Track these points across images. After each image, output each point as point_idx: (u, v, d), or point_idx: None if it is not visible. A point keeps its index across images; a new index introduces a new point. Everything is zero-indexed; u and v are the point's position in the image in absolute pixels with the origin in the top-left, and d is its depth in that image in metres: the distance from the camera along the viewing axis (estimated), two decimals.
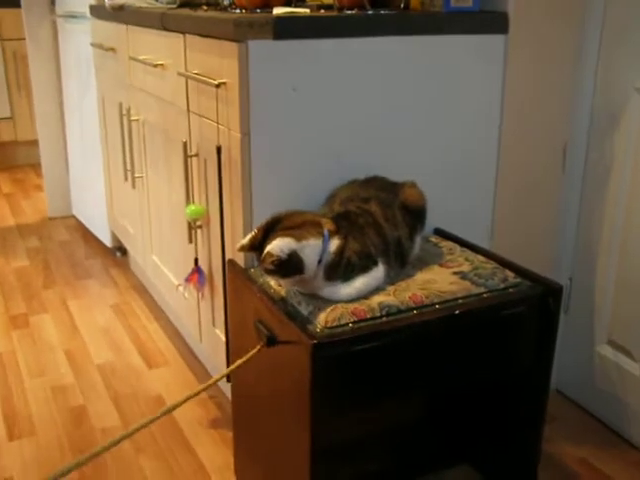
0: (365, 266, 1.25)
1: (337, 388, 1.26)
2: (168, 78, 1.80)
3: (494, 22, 1.55)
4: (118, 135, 2.31)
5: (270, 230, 1.21)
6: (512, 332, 1.42)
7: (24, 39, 3.16)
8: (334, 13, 1.55)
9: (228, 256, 1.56)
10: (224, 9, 1.75)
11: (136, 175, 2.22)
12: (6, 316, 2.38)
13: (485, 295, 1.30)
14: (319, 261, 1.21)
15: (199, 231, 1.73)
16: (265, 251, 1.17)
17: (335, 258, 1.21)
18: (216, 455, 1.68)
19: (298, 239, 1.19)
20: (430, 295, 1.26)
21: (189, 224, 1.72)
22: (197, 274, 1.76)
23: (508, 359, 1.44)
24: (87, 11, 2.55)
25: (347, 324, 1.18)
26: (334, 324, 1.17)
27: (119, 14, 2.12)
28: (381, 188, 1.39)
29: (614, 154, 1.64)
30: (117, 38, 2.23)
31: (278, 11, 1.51)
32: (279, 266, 1.18)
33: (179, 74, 1.65)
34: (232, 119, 1.42)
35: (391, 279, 1.30)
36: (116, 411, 1.85)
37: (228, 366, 1.62)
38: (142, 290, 2.59)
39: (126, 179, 2.30)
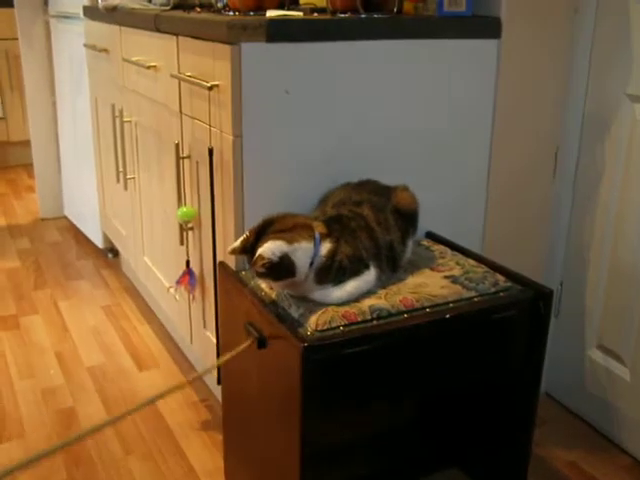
0: (357, 270, 1.25)
1: (327, 391, 1.26)
2: (161, 80, 1.79)
3: (487, 27, 1.56)
4: (110, 136, 2.30)
5: (262, 233, 1.21)
6: (502, 336, 1.42)
7: (17, 39, 3.15)
8: (327, 16, 1.55)
9: (219, 258, 1.56)
10: (217, 11, 1.75)
11: (128, 177, 2.22)
12: None
13: (476, 299, 1.30)
14: (310, 264, 1.21)
15: (190, 233, 1.73)
16: (257, 254, 1.17)
17: (326, 261, 1.22)
18: (206, 458, 1.68)
19: (290, 242, 1.19)
20: (421, 299, 1.26)
21: (181, 226, 1.72)
22: (188, 276, 1.76)
23: (498, 363, 1.45)
24: (80, 12, 2.54)
25: (338, 327, 1.18)
26: (325, 327, 1.17)
27: (112, 15, 2.12)
28: (373, 192, 1.39)
29: (605, 159, 1.65)
30: (110, 39, 2.23)
31: (271, 14, 1.52)
32: (270, 269, 1.18)
33: (172, 76, 1.64)
34: (224, 121, 1.42)
35: (383, 283, 1.30)
36: (106, 413, 1.84)
37: (219, 369, 1.62)
38: (133, 292, 2.58)
39: (118, 180, 2.29)
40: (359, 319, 1.20)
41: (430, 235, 1.60)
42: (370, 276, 1.27)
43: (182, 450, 1.70)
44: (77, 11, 2.59)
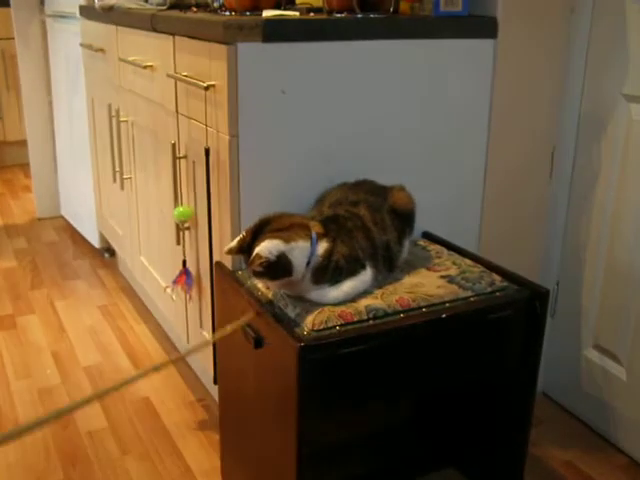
0: (353, 270, 1.25)
1: (324, 391, 1.26)
2: (157, 80, 1.79)
3: (483, 27, 1.56)
4: (107, 136, 2.30)
5: (258, 232, 1.21)
6: (499, 336, 1.42)
7: (13, 38, 3.15)
8: (324, 16, 1.55)
9: (216, 258, 1.56)
10: (214, 11, 1.75)
11: (125, 176, 2.21)
12: None
13: (472, 299, 1.31)
14: (307, 264, 1.21)
15: (187, 233, 1.73)
16: (254, 253, 1.17)
17: (323, 261, 1.22)
18: (203, 458, 1.68)
19: (287, 241, 1.19)
20: (417, 299, 1.26)
21: (177, 226, 1.72)
22: (185, 276, 1.75)
23: (495, 363, 1.45)
24: (77, 11, 2.54)
25: (334, 327, 1.18)
26: (321, 327, 1.17)
27: (109, 15, 2.12)
28: (370, 192, 1.39)
29: (601, 159, 1.65)
30: (107, 39, 2.22)
31: (268, 14, 1.51)
32: (268, 268, 1.18)
33: (168, 76, 1.64)
34: (221, 121, 1.41)
35: (379, 283, 1.31)
36: (103, 413, 1.84)
37: (215, 369, 1.62)
38: (130, 291, 2.58)
39: (115, 180, 2.29)
40: (355, 319, 1.20)
41: (426, 235, 1.60)
42: (366, 276, 1.27)
43: (179, 450, 1.70)
44: (73, 11, 2.59)
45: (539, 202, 1.76)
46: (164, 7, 1.94)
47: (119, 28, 2.07)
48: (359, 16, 1.52)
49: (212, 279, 1.58)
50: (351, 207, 1.33)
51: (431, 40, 1.51)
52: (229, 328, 1.24)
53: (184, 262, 1.76)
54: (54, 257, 2.91)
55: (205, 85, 1.43)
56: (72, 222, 3.20)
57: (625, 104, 1.57)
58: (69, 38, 2.73)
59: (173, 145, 1.68)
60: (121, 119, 2.15)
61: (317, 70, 1.41)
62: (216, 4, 1.77)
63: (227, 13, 1.67)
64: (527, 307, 1.34)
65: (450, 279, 1.34)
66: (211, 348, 1.64)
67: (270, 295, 1.28)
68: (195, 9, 1.85)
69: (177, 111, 1.68)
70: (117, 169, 2.24)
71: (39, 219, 3.36)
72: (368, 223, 1.31)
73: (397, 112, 1.53)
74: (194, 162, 1.62)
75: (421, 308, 1.26)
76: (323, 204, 1.39)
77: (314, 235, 1.22)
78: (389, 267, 1.34)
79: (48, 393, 1.93)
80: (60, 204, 3.32)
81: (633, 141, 1.56)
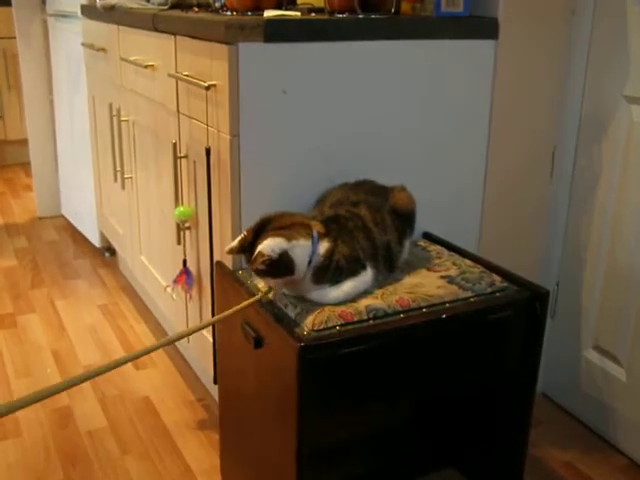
0: (354, 270, 1.25)
1: (324, 391, 1.27)
2: (158, 79, 1.79)
3: (484, 27, 1.56)
4: (108, 135, 2.30)
5: (260, 231, 1.21)
6: (499, 336, 1.42)
7: (14, 38, 3.15)
8: (325, 16, 1.55)
9: (216, 258, 1.56)
10: (215, 11, 1.75)
11: (125, 176, 2.22)
12: None
13: (472, 299, 1.31)
14: (308, 263, 1.21)
15: (188, 232, 1.73)
16: (256, 251, 1.17)
17: (324, 261, 1.22)
18: (203, 457, 1.68)
19: (289, 239, 1.19)
20: (417, 299, 1.27)
21: (178, 225, 1.72)
22: (185, 275, 1.76)
23: (495, 363, 1.45)
24: (78, 11, 2.54)
25: (334, 327, 1.18)
26: (321, 327, 1.17)
27: (110, 14, 2.12)
28: (371, 192, 1.39)
29: (602, 160, 1.65)
30: (108, 38, 2.22)
31: (269, 14, 1.52)
32: (270, 266, 1.17)
33: (169, 75, 1.65)
34: (222, 121, 1.42)
35: (379, 283, 1.31)
36: (102, 412, 1.84)
37: (215, 368, 1.62)
38: (130, 291, 2.58)
39: (115, 180, 2.29)
40: (355, 319, 1.20)
41: (427, 235, 1.60)
42: (367, 277, 1.27)
43: (179, 449, 1.70)
44: (75, 10, 2.59)
45: (539, 203, 1.76)
46: (165, 7, 1.94)
47: (120, 28, 2.07)
48: (360, 16, 1.52)
49: (212, 279, 1.58)
50: (352, 207, 1.33)
51: (432, 40, 1.51)
52: (231, 311, 1.23)
53: (184, 262, 1.76)
54: (55, 256, 2.91)
55: (206, 85, 1.43)
56: (73, 221, 3.20)
57: (626, 105, 1.57)
58: (70, 37, 2.73)
59: (174, 145, 1.68)
60: (122, 118, 2.15)
61: (318, 70, 1.41)
62: (217, 4, 1.78)
63: (228, 13, 1.67)
64: (527, 308, 1.34)
65: (450, 279, 1.34)
66: (211, 348, 1.65)
67: (270, 295, 1.28)
68: (196, 9, 1.85)
69: (178, 111, 1.68)
70: (118, 168, 2.24)
71: (40, 218, 3.36)
72: (369, 223, 1.31)
73: (398, 112, 1.53)
74: (195, 162, 1.62)
75: (421, 308, 1.26)
76: (324, 204, 1.39)
77: (315, 234, 1.22)
78: (389, 267, 1.34)
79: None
80: (61, 203, 3.32)
81: (634, 143, 1.56)
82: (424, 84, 1.53)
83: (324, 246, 1.22)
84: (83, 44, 2.52)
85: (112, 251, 2.87)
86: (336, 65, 1.43)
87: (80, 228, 3.10)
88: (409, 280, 1.34)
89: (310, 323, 1.18)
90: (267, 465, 1.33)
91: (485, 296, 1.32)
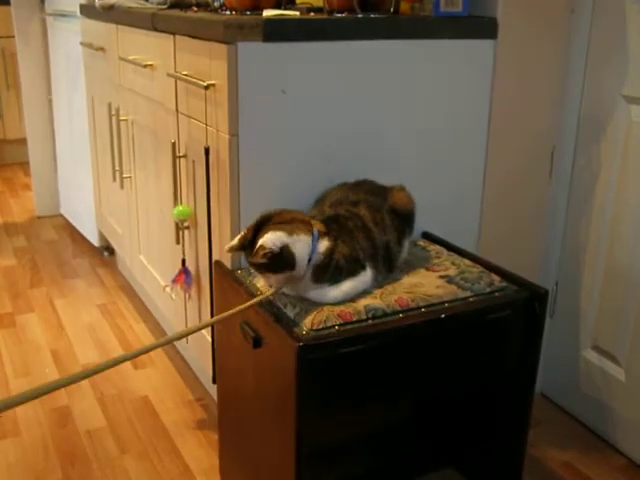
0: (353, 270, 1.25)
1: (323, 391, 1.26)
2: (157, 79, 1.79)
3: (483, 27, 1.56)
4: (107, 135, 2.30)
5: (259, 228, 1.21)
6: (498, 336, 1.42)
7: (13, 37, 3.15)
8: (324, 16, 1.55)
9: (215, 257, 1.56)
10: (214, 10, 1.75)
11: (124, 175, 2.21)
12: None
13: (471, 299, 1.31)
14: (308, 261, 1.20)
15: (187, 232, 1.73)
16: (258, 244, 1.17)
17: (324, 259, 1.21)
18: (202, 457, 1.68)
19: (290, 233, 1.19)
20: (416, 299, 1.27)
21: (177, 225, 1.72)
22: (184, 275, 1.75)
23: (494, 363, 1.45)
24: (77, 10, 2.54)
25: (333, 327, 1.18)
26: (320, 326, 1.17)
27: (109, 14, 2.12)
28: (370, 191, 1.39)
29: (601, 160, 1.65)
30: (107, 38, 2.22)
31: (268, 13, 1.51)
32: (271, 259, 1.17)
33: (168, 75, 1.64)
34: (221, 120, 1.42)
35: (379, 283, 1.31)
36: (101, 412, 1.84)
37: (214, 368, 1.62)
38: (129, 290, 2.58)
39: (114, 179, 2.29)
40: (354, 319, 1.20)
41: (426, 235, 1.60)
42: (366, 277, 1.27)
43: (177, 449, 1.70)
44: (74, 9, 2.59)
45: (539, 203, 1.76)
46: (165, 6, 1.94)
47: (119, 27, 2.07)
48: (359, 16, 1.52)
49: (211, 278, 1.58)
50: (351, 207, 1.33)
51: (431, 40, 1.51)
52: (231, 312, 1.23)
53: (183, 261, 1.76)
54: (53, 255, 2.91)
55: (205, 84, 1.43)
56: (72, 221, 3.20)
57: (625, 105, 1.57)
58: (69, 37, 2.73)
59: (173, 144, 1.68)
60: (121, 118, 2.15)
61: (317, 70, 1.41)
62: (216, 3, 1.77)
63: (227, 12, 1.67)
64: (526, 307, 1.34)
65: (449, 279, 1.34)
66: (210, 348, 1.65)
67: (269, 294, 1.28)
68: (196, 8, 1.85)
69: (177, 110, 1.68)
70: (117, 168, 2.24)
71: (39, 217, 3.36)
72: (369, 223, 1.31)
73: (397, 112, 1.53)
74: (194, 161, 1.62)
75: (420, 308, 1.26)
76: (323, 204, 1.39)
77: (316, 233, 1.22)
78: (389, 267, 1.34)
79: None
80: (60, 203, 3.32)
81: (633, 142, 1.56)
82: (423, 84, 1.53)
83: (324, 245, 1.22)
84: (82, 43, 2.51)
85: (111, 250, 2.87)
86: (335, 65, 1.43)
87: (79, 227, 3.10)
88: (408, 280, 1.34)
89: (309, 323, 1.18)
90: (266, 465, 1.33)
91: (484, 296, 1.32)
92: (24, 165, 4.02)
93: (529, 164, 1.71)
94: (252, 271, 1.39)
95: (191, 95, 1.57)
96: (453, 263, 1.42)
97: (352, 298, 1.24)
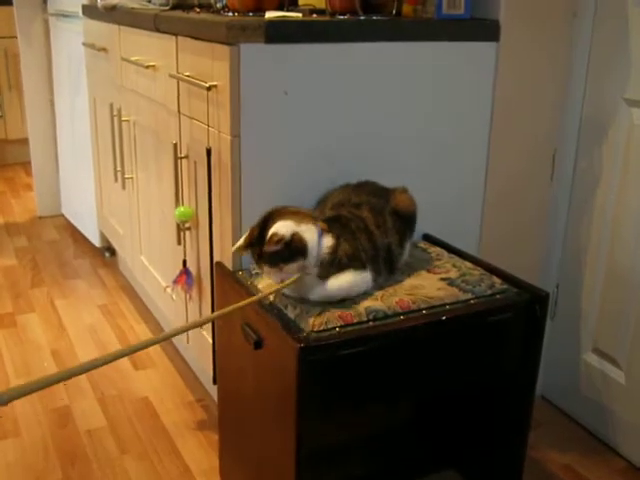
0: (355, 267, 1.25)
1: (324, 392, 1.26)
2: (159, 80, 1.79)
3: (485, 30, 1.56)
4: (109, 135, 2.30)
5: (265, 225, 1.21)
6: (498, 338, 1.42)
7: (15, 37, 3.15)
8: (326, 18, 1.55)
9: (216, 258, 1.56)
10: (217, 12, 1.75)
11: (126, 176, 2.22)
12: None
13: (472, 301, 1.31)
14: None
15: (188, 233, 1.73)
16: (269, 233, 1.17)
17: (330, 255, 1.21)
18: (202, 458, 1.68)
19: (298, 222, 1.19)
20: (417, 301, 1.27)
21: (178, 226, 1.72)
22: (185, 276, 1.76)
23: (494, 365, 1.45)
24: (79, 10, 2.54)
25: (334, 328, 1.18)
26: (321, 328, 1.17)
27: (111, 14, 2.12)
28: (372, 193, 1.39)
29: (602, 163, 1.65)
30: (109, 38, 2.23)
31: (270, 15, 1.51)
32: (284, 246, 1.17)
33: (170, 76, 1.65)
34: (222, 122, 1.42)
35: (379, 285, 1.31)
36: (102, 412, 1.84)
37: (214, 369, 1.62)
38: (130, 291, 2.58)
39: (116, 180, 2.29)
40: (355, 320, 1.20)
41: (427, 237, 1.60)
42: (366, 277, 1.27)
43: (177, 450, 1.70)
44: (76, 10, 2.59)
45: (540, 205, 1.76)
46: (167, 7, 1.95)
47: (122, 28, 2.07)
48: (362, 18, 1.52)
49: (212, 279, 1.58)
50: (354, 209, 1.33)
51: (433, 43, 1.51)
52: (230, 308, 1.22)
53: (184, 262, 1.76)
54: (55, 256, 2.91)
55: (207, 85, 1.43)
56: (73, 221, 3.20)
57: (626, 108, 1.57)
58: (72, 37, 2.73)
59: (175, 145, 1.69)
60: (123, 119, 2.15)
61: (319, 71, 1.41)
62: (219, 5, 1.78)
63: (230, 14, 1.67)
64: (527, 310, 1.34)
65: (450, 281, 1.34)
66: (211, 349, 1.65)
67: (270, 296, 1.28)
68: (198, 9, 1.85)
69: (179, 111, 1.68)
70: (118, 168, 2.24)
71: (40, 217, 3.36)
72: (371, 226, 1.31)
73: (399, 114, 1.53)
74: (195, 162, 1.62)
75: (421, 310, 1.26)
76: (325, 205, 1.39)
77: (319, 229, 1.22)
78: (390, 269, 1.34)
79: (48, 391, 1.93)
80: (61, 203, 3.32)
81: (634, 145, 1.56)
82: (425, 86, 1.53)
83: (328, 240, 1.22)
84: (84, 44, 2.52)
85: (112, 251, 2.87)
86: (337, 66, 1.43)
87: (80, 228, 3.10)
88: (409, 282, 1.34)
89: (310, 324, 1.18)
90: (266, 466, 1.33)
91: (485, 298, 1.32)
92: (26, 165, 4.03)
93: (530, 166, 1.71)
94: (253, 272, 1.39)
95: (193, 96, 1.57)
96: (454, 265, 1.42)
97: (350, 294, 1.24)
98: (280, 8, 1.70)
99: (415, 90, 1.53)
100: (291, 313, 1.22)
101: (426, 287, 1.32)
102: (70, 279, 2.68)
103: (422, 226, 1.54)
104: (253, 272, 1.39)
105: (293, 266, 1.19)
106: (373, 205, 1.35)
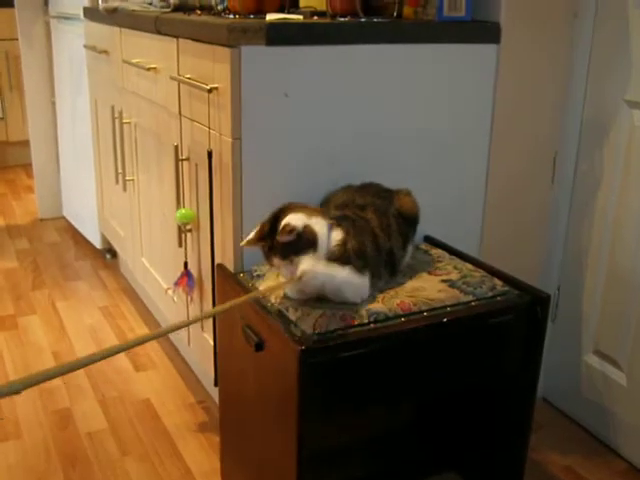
0: (359, 266, 1.24)
1: (325, 394, 1.27)
2: (160, 82, 1.80)
3: (486, 32, 1.56)
4: (110, 138, 2.31)
5: (276, 220, 1.21)
6: (499, 340, 1.42)
7: (17, 39, 3.16)
8: (327, 20, 1.55)
9: (217, 260, 1.56)
10: (218, 14, 1.76)
11: (127, 178, 2.22)
12: None
13: (473, 303, 1.31)
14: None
15: (189, 235, 1.73)
16: (282, 223, 1.17)
17: (338, 249, 1.21)
18: (203, 460, 1.68)
19: (309, 216, 1.20)
20: (418, 303, 1.27)
21: (179, 228, 1.72)
22: (186, 278, 1.76)
23: (495, 367, 1.45)
24: (80, 13, 2.54)
25: (335, 330, 1.18)
26: (322, 330, 1.17)
27: (113, 17, 2.12)
28: (377, 195, 1.39)
29: (603, 165, 1.65)
30: (110, 41, 2.23)
31: (271, 17, 1.52)
32: (297, 236, 1.17)
33: (171, 78, 1.65)
34: (224, 124, 1.42)
35: (380, 288, 1.30)
36: (102, 414, 1.84)
37: (216, 371, 1.62)
38: (131, 293, 2.58)
39: (117, 182, 2.30)
40: (356, 322, 1.20)
41: (428, 239, 1.60)
42: (364, 281, 1.26)
43: (179, 451, 1.70)
44: (77, 12, 2.59)
45: (541, 207, 1.76)
46: (168, 9, 1.95)
47: (123, 30, 2.08)
48: (362, 20, 1.53)
49: (214, 281, 1.58)
50: (359, 210, 1.33)
51: (434, 45, 1.51)
52: (229, 304, 1.21)
53: (186, 264, 1.76)
54: (56, 258, 2.91)
55: (208, 87, 1.43)
56: (74, 223, 3.20)
57: (627, 110, 1.57)
58: (73, 39, 2.74)
59: (176, 147, 1.69)
60: (124, 121, 2.16)
61: (320, 73, 1.41)
62: (220, 7, 1.78)
63: (231, 16, 1.67)
64: (528, 312, 1.34)
65: (451, 283, 1.34)
66: (212, 351, 1.65)
67: (272, 298, 1.28)
68: (199, 12, 1.85)
69: (180, 113, 1.68)
70: (120, 171, 2.25)
71: (41, 220, 3.37)
72: (375, 229, 1.31)
73: (400, 116, 1.53)
74: (197, 164, 1.63)
75: (422, 312, 1.26)
76: (328, 206, 1.38)
77: (329, 223, 1.22)
78: (391, 271, 1.34)
79: (49, 393, 1.93)
80: (62, 205, 3.32)
81: (635, 147, 1.56)
82: (426, 88, 1.53)
83: (337, 234, 1.22)
84: (85, 46, 2.52)
85: (113, 253, 2.87)
86: (338, 68, 1.43)
87: (81, 230, 3.10)
88: (410, 284, 1.34)
89: (311, 326, 1.18)
90: (267, 468, 1.33)
91: (486, 300, 1.32)
92: (27, 167, 4.03)
93: (531, 168, 1.71)
94: (254, 274, 1.39)
95: (194, 98, 1.58)
96: (455, 267, 1.42)
97: (343, 291, 1.23)
98: (281, 10, 1.70)
99: (416, 92, 1.53)
100: (292, 315, 1.22)
101: (427, 289, 1.32)
102: (71, 281, 2.68)
103: (423, 228, 1.54)
104: (254, 274, 1.40)
105: (304, 259, 1.19)
106: (378, 207, 1.35)
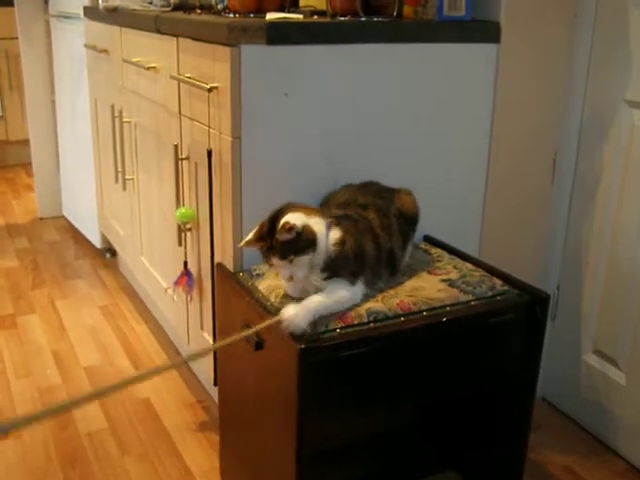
0: (355, 272, 1.24)
1: (324, 393, 1.27)
2: (160, 81, 1.80)
3: (486, 31, 1.56)
4: (110, 137, 2.31)
5: (275, 220, 1.21)
6: (499, 340, 1.42)
7: (17, 38, 3.16)
8: (327, 19, 1.55)
9: (217, 260, 1.56)
10: (218, 13, 1.76)
11: (127, 177, 2.22)
12: None
13: (473, 303, 1.31)
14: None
15: (189, 234, 1.73)
16: (281, 222, 1.17)
17: (337, 249, 1.20)
18: (203, 459, 1.68)
19: (308, 215, 1.20)
20: (418, 302, 1.27)
21: (179, 227, 1.72)
22: (186, 277, 1.76)
23: (495, 366, 1.45)
24: (81, 12, 2.54)
25: (335, 329, 1.18)
26: (322, 329, 1.17)
27: (113, 16, 2.12)
28: (378, 194, 1.39)
29: (603, 165, 1.65)
30: (110, 40, 2.23)
31: (271, 16, 1.52)
32: (297, 235, 1.17)
33: (171, 77, 1.65)
34: (223, 123, 1.42)
35: (380, 288, 1.30)
36: (102, 414, 1.84)
37: (215, 370, 1.62)
38: (131, 292, 2.58)
39: (117, 181, 2.30)
40: (356, 322, 1.20)
41: (428, 238, 1.60)
42: (356, 292, 1.25)
43: (178, 451, 1.70)
44: (77, 11, 2.59)
45: (541, 206, 1.76)
46: (168, 9, 1.95)
47: (123, 29, 2.08)
48: (362, 19, 1.52)
49: (213, 281, 1.58)
50: (360, 210, 1.33)
51: (434, 44, 1.51)
52: (233, 338, 1.22)
53: (185, 263, 1.76)
54: (55, 257, 2.91)
55: (208, 87, 1.43)
56: (74, 222, 3.20)
57: (627, 109, 1.57)
58: (73, 38, 2.74)
59: (175, 146, 1.69)
60: (124, 120, 2.16)
61: (320, 73, 1.41)
62: (220, 6, 1.78)
63: (231, 15, 1.67)
64: (527, 311, 1.34)
65: (451, 283, 1.34)
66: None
67: (272, 297, 1.28)
68: (199, 11, 1.85)
69: (180, 112, 1.68)
70: (119, 170, 2.25)
71: (41, 219, 3.37)
72: (376, 228, 1.31)
73: (399, 116, 1.53)
74: (196, 164, 1.63)
75: (422, 312, 1.26)
76: (329, 205, 1.38)
77: (328, 223, 1.22)
78: (391, 271, 1.34)
79: (48, 393, 1.93)
80: (62, 204, 3.32)
81: (635, 147, 1.56)
82: (426, 88, 1.53)
83: (335, 233, 1.22)
84: (85, 45, 2.52)
85: (113, 252, 2.87)
86: (338, 68, 1.43)
87: (81, 229, 3.10)
88: (410, 283, 1.34)
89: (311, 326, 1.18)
90: (267, 467, 1.33)
91: (486, 299, 1.33)
92: (27, 166, 4.03)
93: (532, 168, 1.71)
94: (254, 273, 1.39)
95: (194, 97, 1.58)
96: (455, 267, 1.42)
97: (337, 310, 1.21)
98: (281, 9, 1.70)
99: (416, 92, 1.53)
100: None
101: (427, 288, 1.32)
102: (71, 280, 2.68)
103: (423, 227, 1.54)
104: (254, 273, 1.40)
105: (303, 259, 1.18)
106: (379, 206, 1.35)
